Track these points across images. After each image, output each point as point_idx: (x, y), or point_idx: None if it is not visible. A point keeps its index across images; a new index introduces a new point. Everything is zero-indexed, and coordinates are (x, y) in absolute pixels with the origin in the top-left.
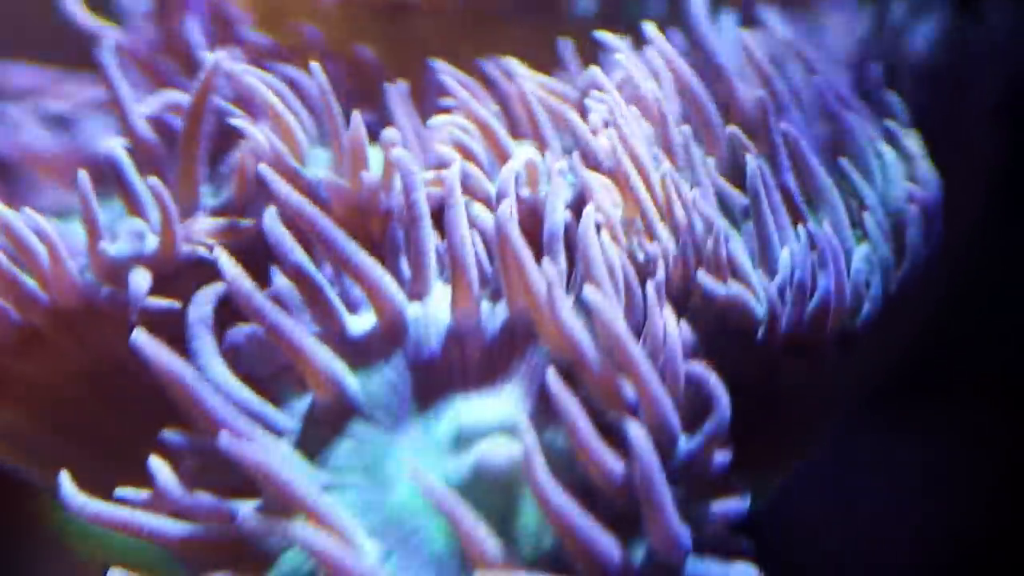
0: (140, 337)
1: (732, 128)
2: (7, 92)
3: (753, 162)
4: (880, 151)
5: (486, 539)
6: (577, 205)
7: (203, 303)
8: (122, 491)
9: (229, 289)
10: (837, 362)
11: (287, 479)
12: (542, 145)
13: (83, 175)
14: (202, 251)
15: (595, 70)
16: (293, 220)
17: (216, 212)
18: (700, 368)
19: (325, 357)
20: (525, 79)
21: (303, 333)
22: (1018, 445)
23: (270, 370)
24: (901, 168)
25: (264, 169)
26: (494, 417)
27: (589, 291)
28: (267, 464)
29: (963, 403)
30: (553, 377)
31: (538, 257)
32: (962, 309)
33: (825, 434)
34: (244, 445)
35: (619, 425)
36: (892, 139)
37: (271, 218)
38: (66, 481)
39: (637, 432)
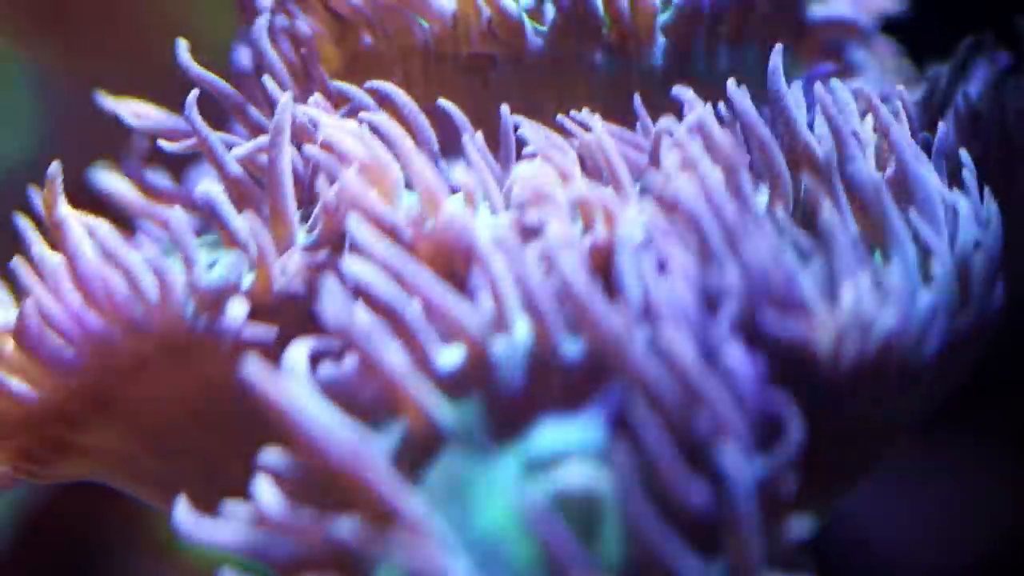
0: (248, 362)
1: (804, 175)
2: (131, 127)
3: (827, 203)
4: (947, 199)
5: (579, 559)
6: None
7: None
8: (229, 505)
9: (326, 319)
10: (898, 397)
11: (392, 492)
12: (618, 191)
13: (178, 210)
14: (297, 286)
15: (668, 119)
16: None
17: (310, 249)
18: (773, 395)
19: (419, 387)
20: (600, 129)
21: (400, 364)
22: None
23: (360, 402)
24: (970, 215)
25: (350, 218)
26: (576, 444)
27: (661, 329)
28: (374, 475)
29: (1010, 437)
30: (637, 404)
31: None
32: (1015, 348)
33: (883, 461)
34: (352, 458)
35: (699, 452)
36: (963, 189)
37: (355, 260)
38: (181, 507)
39: (732, 458)
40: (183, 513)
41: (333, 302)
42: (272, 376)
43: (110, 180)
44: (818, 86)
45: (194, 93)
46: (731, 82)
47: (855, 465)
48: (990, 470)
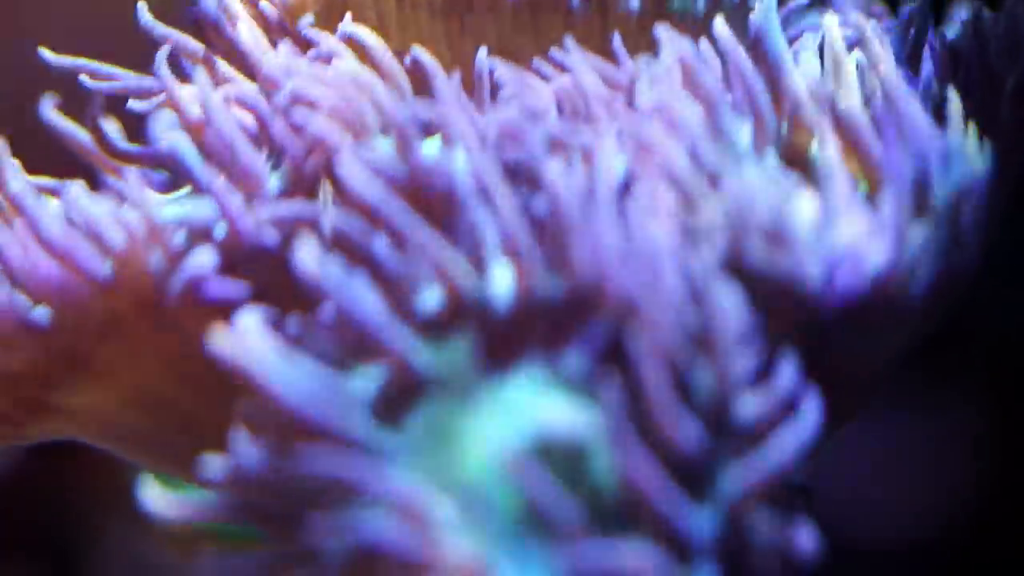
0: (212, 337)
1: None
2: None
3: (829, 139)
4: (937, 136)
5: (563, 505)
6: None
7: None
8: (205, 457)
9: (300, 270)
10: (885, 334)
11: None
12: (596, 129)
13: (131, 173)
14: (270, 236)
15: (646, 58)
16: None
17: (280, 197)
18: (764, 339)
19: (399, 332)
20: (579, 66)
21: (379, 310)
22: None
23: (337, 352)
24: (963, 152)
25: (341, 156)
26: (560, 385)
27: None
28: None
29: (989, 381)
30: (634, 334)
31: None
32: (993, 289)
33: (868, 401)
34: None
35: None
36: (951, 126)
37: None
38: (149, 488)
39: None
40: (153, 495)
41: (307, 252)
42: (240, 344)
43: (72, 135)
44: (823, 18)
45: (164, 50)
46: (718, 20)
47: (841, 406)
48: (965, 414)
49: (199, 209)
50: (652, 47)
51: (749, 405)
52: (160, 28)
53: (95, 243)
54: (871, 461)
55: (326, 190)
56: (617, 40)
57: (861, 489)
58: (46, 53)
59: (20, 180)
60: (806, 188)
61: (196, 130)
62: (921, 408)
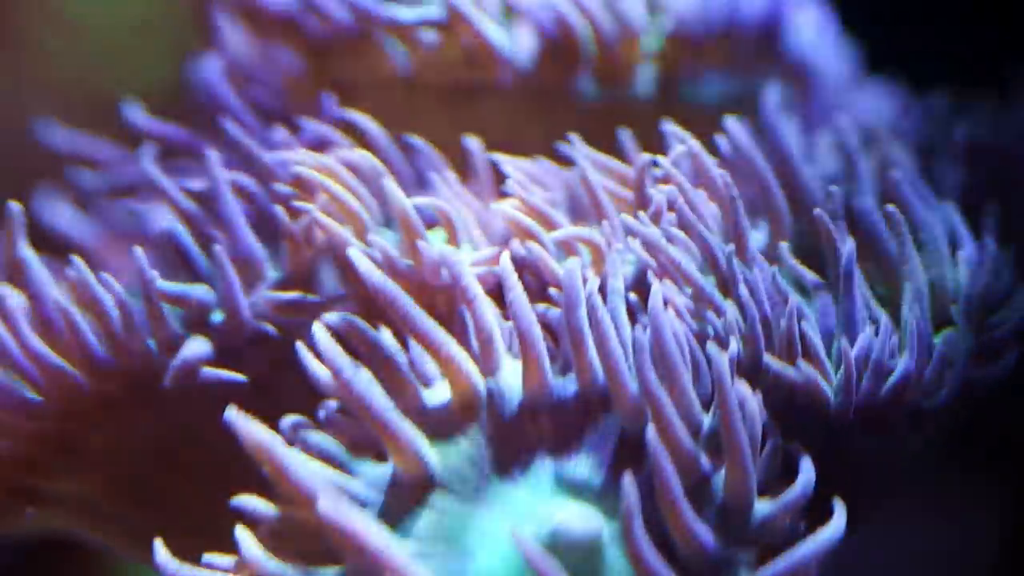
0: (231, 412)
1: (818, 211)
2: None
3: (845, 243)
4: (964, 243)
5: None
6: (636, 285)
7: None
8: (209, 558)
9: (307, 366)
10: (907, 440)
11: (380, 546)
12: (605, 227)
13: (137, 250)
14: (268, 326)
15: (647, 157)
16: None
17: (278, 287)
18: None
19: (408, 430)
20: (587, 162)
21: (389, 406)
22: None
23: (342, 448)
24: (991, 262)
25: (351, 249)
26: (570, 486)
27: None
28: (362, 531)
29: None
30: (652, 436)
31: None
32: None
33: (888, 506)
34: (341, 512)
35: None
36: (979, 233)
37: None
38: (160, 550)
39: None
40: (164, 557)
41: (314, 349)
42: (255, 424)
43: (66, 218)
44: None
45: (150, 149)
46: (730, 118)
47: (858, 505)
48: (986, 511)
49: (197, 293)
50: (663, 138)
51: (765, 510)
52: (153, 125)
53: (96, 322)
54: (887, 560)
55: (329, 279)
56: (624, 135)
57: None
58: (51, 130)
59: (27, 247)
60: (823, 290)
61: (189, 219)
62: (939, 509)
